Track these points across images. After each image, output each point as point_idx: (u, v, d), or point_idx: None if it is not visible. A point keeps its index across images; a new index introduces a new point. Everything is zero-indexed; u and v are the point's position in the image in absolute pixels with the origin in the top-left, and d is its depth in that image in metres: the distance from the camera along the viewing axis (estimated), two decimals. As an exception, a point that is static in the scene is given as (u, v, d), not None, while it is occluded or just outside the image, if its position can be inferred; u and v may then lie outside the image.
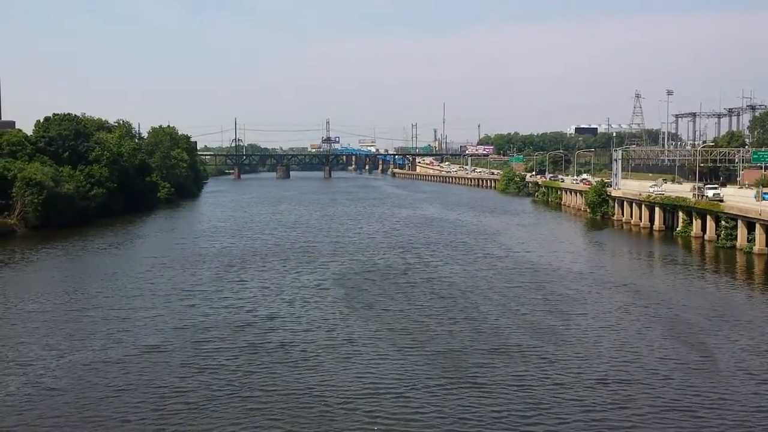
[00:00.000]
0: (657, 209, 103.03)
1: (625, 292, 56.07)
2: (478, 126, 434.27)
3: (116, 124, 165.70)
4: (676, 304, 51.14)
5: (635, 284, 59.76)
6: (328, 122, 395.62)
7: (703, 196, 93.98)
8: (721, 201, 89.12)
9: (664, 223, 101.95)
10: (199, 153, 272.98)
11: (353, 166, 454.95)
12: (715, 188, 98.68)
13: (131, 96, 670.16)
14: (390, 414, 30.10)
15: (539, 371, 35.52)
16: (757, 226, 76.31)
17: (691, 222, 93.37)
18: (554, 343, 40.68)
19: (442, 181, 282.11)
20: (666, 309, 49.55)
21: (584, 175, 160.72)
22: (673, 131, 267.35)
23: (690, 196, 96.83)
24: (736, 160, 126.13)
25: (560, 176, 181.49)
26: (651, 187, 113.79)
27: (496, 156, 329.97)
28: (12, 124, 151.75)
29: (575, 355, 38.39)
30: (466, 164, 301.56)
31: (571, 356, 38.12)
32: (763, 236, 75.55)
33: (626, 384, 33.73)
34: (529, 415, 29.94)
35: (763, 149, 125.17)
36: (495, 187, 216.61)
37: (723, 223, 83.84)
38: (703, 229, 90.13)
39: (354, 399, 31.82)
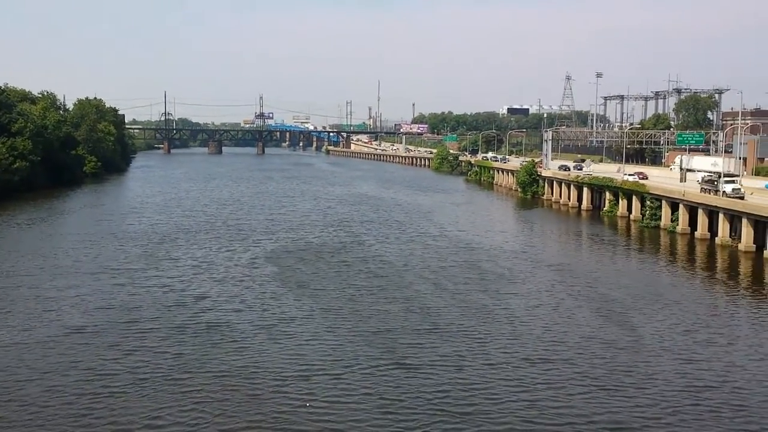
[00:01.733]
0: (585, 189, 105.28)
1: (554, 270, 57.08)
2: (413, 105, 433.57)
3: (40, 95, 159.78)
4: (603, 283, 52.36)
5: (564, 263, 60.94)
6: (261, 97, 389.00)
7: (717, 191, 74.79)
8: (742, 198, 70.88)
9: (591, 203, 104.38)
10: (127, 126, 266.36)
11: (287, 143, 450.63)
12: (733, 181, 76.54)
13: (56, 66, 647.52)
14: (322, 395, 29.88)
15: (471, 351, 35.82)
16: (681, 206, 78.73)
17: (618, 202, 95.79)
18: (485, 322, 41.11)
19: (377, 159, 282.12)
20: (593, 288, 50.67)
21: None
22: (602, 113, 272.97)
23: (698, 189, 79.06)
24: (662, 142, 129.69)
25: (507, 157, 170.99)
26: (627, 174, 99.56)
27: (430, 135, 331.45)
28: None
29: (506, 334, 38.88)
30: (401, 143, 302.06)
31: (502, 335, 38.59)
32: (686, 216, 78.04)
33: (555, 363, 34.33)
34: (460, 394, 30.13)
35: (687, 132, 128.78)
36: (429, 166, 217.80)
37: (648, 203, 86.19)
38: (629, 209, 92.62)
39: (286, 380, 31.49)
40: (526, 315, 43.04)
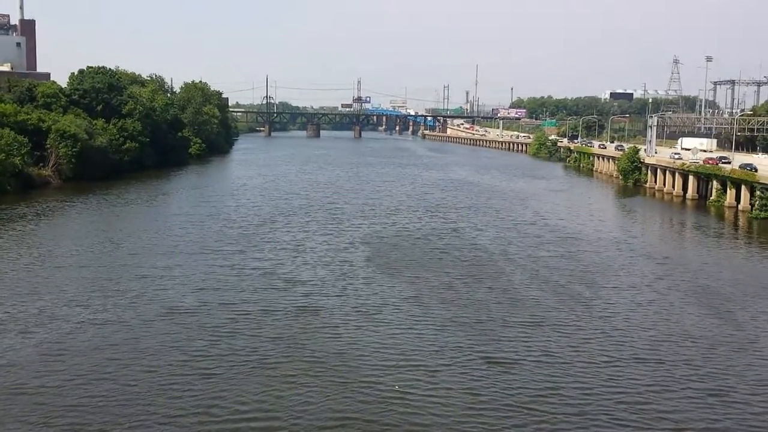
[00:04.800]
0: (691, 177, 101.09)
1: (658, 263, 54.98)
2: (511, 89, 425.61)
3: (149, 78, 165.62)
4: (710, 277, 50.03)
5: (669, 255, 58.64)
6: (359, 81, 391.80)
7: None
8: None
9: (697, 192, 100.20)
10: (230, 110, 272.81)
11: (383, 127, 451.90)
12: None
13: (163, 50, 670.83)
14: (412, 386, 29.64)
15: (567, 347, 34.71)
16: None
17: (725, 191, 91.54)
18: (584, 317, 39.87)
19: (473, 144, 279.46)
20: (700, 282, 48.38)
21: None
22: (711, 99, 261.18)
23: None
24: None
25: (641, 147, 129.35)
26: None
27: (528, 120, 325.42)
28: (47, 75, 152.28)
29: (605, 330, 37.50)
30: (498, 127, 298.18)
31: (601, 332, 37.25)
32: (801, 209, 73.84)
33: (658, 363, 32.88)
34: (554, 394, 29.20)
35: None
36: (526, 152, 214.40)
37: (758, 193, 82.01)
38: (737, 198, 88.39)
39: (376, 369, 31.35)
40: (626, 310, 41.49)
